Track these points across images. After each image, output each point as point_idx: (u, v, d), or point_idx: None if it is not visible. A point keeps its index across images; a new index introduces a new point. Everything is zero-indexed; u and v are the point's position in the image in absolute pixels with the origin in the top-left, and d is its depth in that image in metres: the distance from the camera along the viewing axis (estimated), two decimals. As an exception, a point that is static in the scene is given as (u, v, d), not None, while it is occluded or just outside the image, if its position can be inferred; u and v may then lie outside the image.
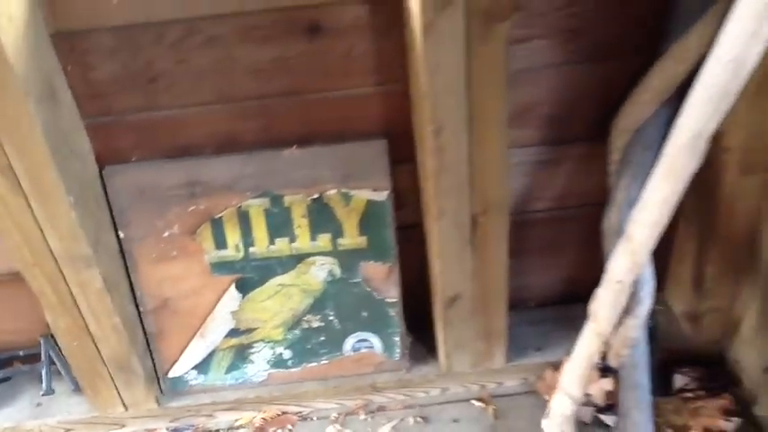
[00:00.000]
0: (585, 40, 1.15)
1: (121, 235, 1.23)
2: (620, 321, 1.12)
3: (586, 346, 1.15)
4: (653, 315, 1.29)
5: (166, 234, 1.23)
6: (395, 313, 1.32)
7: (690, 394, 1.34)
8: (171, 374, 1.37)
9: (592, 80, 1.19)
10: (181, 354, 1.35)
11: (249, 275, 1.28)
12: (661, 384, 1.38)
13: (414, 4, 0.98)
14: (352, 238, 1.25)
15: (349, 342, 1.36)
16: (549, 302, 1.49)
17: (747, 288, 1.30)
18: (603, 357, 1.18)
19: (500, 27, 0.98)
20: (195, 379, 1.38)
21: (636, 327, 1.12)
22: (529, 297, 1.50)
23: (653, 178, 0.98)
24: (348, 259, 1.27)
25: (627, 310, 1.11)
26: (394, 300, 1.31)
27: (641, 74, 1.12)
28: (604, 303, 1.10)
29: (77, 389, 1.40)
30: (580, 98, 1.21)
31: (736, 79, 0.87)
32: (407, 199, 1.28)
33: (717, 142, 1.20)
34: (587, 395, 1.33)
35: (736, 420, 1.28)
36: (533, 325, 1.47)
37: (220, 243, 1.25)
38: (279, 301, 1.31)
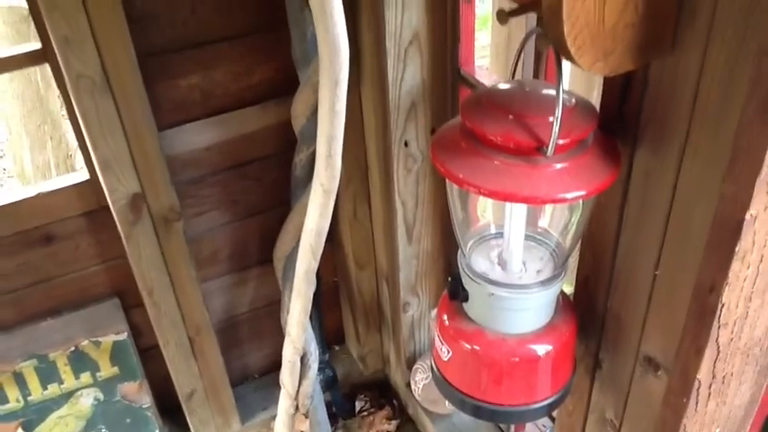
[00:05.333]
0: (243, 205, 1.74)
1: None
2: (299, 383, 1.72)
3: (282, 404, 1.73)
4: (330, 365, 1.92)
5: (-44, 405, 1.60)
6: (151, 414, 1.81)
7: (366, 412, 1.98)
8: None
9: (254, 228, 1.78)
10: (-15, 491, 1.71)
11: (31, 417, 1.68)
12: (350, 409, 2.02)
13: (116, 221, 1.49)
14: (107, 370, 1.71)
15: (121, 443, 1.82)
16: (267, 371, 2.06)
17: (385, 336, 1.98)
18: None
19: (177, 225, 1.53)
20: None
21: (310, 384, 1.73)
22: (253, 371, 2.06)
23: (293, 297, 1.59)
24: (107, 385, 1.73)
25: (302, 376, 1.71)
26: (148, 405, 1.79)
27: (284, 219, 1.73)
28: (286, 375, 1.69)
29: None
30: (249, 240, 1.79)
31: (319, 237, 1.50)
32: (146, 329, 1.77)
33: (342, 251, 1.86)
34: (302, 433, 1.92)
35: (395, 422, 1.95)
36: (259, 390, 2.03)
37: (2, 400, 1.64)
38: (60, 431, 1.73)
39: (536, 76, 1.11)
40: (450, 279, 0.93)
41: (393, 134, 1.49)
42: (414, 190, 1.58)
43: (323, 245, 1.51)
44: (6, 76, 4.56)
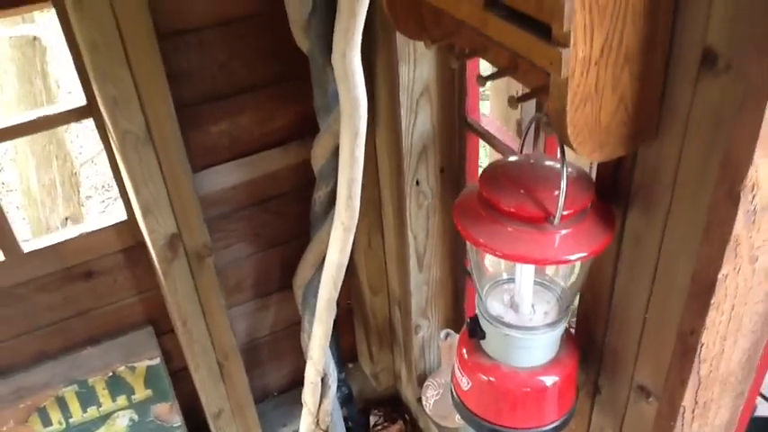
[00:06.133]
0: (265, 238, 1.87)
1: (-30, 439, 1.71)
2: (320, 402, 1.86)
3: (305, 421, 1.87)
4: (346, 383, 2.06)
5: (4, 429, 1.73)
6: (181, 432, 1.95)
7: (380, 426, 2.12)
8: None
9: (275, 257, 1.92)
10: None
11: (73, 438, 1.82)
12: (365, 424, 2.16)
13: (154, 258, 1.62)
14: (141, 393, 1.85)
15: (153, 460, 1.95)
16: (287, 389, 2.20)
17: (397, 354, 2.12)
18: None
19: (208, 260, 1.67)
20: None
21: (330, 403, 1.87)
22: (272, 389, 2.20)
23: (314, 324, 1.73)
24: (141, 407, 1.87)
25: (322, 395, 1.85)
26: (178, 424, 1.92)
27: (302, 250, 1.87)
28: (308, 395, 1.83)
29: None
30: (271, 269, 1.93)
31: (340, 270, 1.64)
32: (175, 353, 1.90)
33: (357, 278, 2.00)
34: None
35: (406, 436, 2.10)
36: (279, 408, 2.17)
37: (46, 422, 1.77)
38: (98, 449, 1.86)
39: (537, 136, 1.25)
40: (469, 320, 1.07)
41: (406, 175, 1.63)
42: (424, 224, 1.72)
43: (343, 276, 1.65)
44: (14, 97, 4.68)
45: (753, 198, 0.77)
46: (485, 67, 1.22)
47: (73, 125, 6.00)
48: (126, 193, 1.59)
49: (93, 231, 1.64)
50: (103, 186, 5.95)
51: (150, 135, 1.44)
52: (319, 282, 1.84)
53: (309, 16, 1.38)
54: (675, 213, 0.89)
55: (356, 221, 1.57)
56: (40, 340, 1.72)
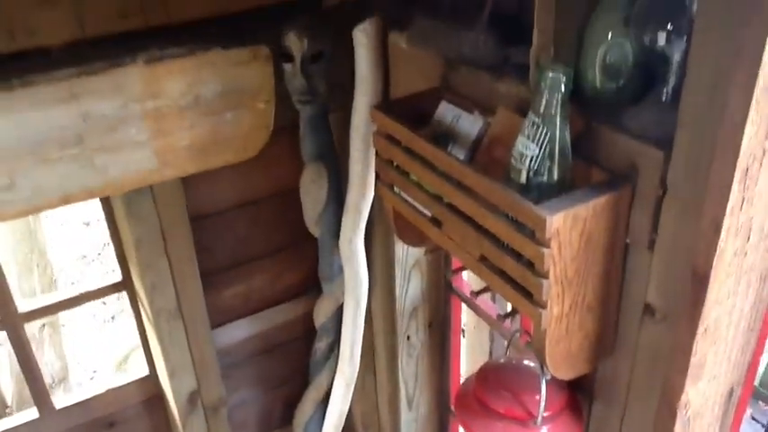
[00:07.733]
0: (271, 380, 2.07)
1: None
2: None
3: None
4: None
5: None
6: None
7: None
8: None
9: (278, 397, 2.11)
10: None
11: None
12: None
13: (174, 411, 1.81)
14: None
15: None
16: None
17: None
18: None
19: (223, 409, 1.86)
20: None
21: None
22: None
23: (317, 464, 1.92)
24: None
25: None
26: None
27: (302, 389, 2.06)
28: None
29: None
30: (274, 407, 2.12)
31: (341, 418, 1.85)
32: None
33: (351, 415, 2.20)
34: None
35: None
36: None
37: None
38: None
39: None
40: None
41: (398, 331, 1.86)
42: (414, 370, 1.95)
43: (344, 422, 1.86)
44: (8, 226, 4.80)
45: (686, 412, 1.03)
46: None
47: (52, 226, 6.15)
48: (150, 353, 1.79)
49: (118, 387, 1.83)
50: (73, 283, 6.10)
51: (180, 310, 1.65)
52: (317, 420, 2.04)
53: (322, 212, 1.63)
54: (629, 412, 1.14)
55: (356, 377, 1.79)
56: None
